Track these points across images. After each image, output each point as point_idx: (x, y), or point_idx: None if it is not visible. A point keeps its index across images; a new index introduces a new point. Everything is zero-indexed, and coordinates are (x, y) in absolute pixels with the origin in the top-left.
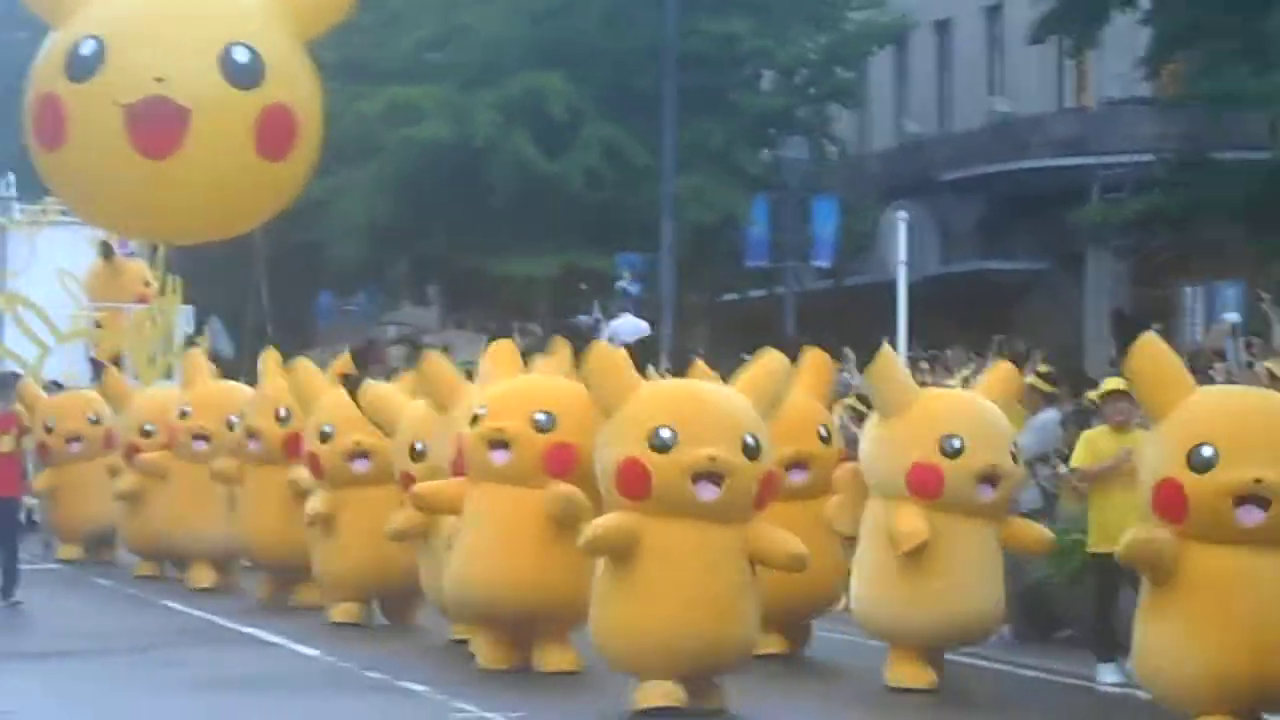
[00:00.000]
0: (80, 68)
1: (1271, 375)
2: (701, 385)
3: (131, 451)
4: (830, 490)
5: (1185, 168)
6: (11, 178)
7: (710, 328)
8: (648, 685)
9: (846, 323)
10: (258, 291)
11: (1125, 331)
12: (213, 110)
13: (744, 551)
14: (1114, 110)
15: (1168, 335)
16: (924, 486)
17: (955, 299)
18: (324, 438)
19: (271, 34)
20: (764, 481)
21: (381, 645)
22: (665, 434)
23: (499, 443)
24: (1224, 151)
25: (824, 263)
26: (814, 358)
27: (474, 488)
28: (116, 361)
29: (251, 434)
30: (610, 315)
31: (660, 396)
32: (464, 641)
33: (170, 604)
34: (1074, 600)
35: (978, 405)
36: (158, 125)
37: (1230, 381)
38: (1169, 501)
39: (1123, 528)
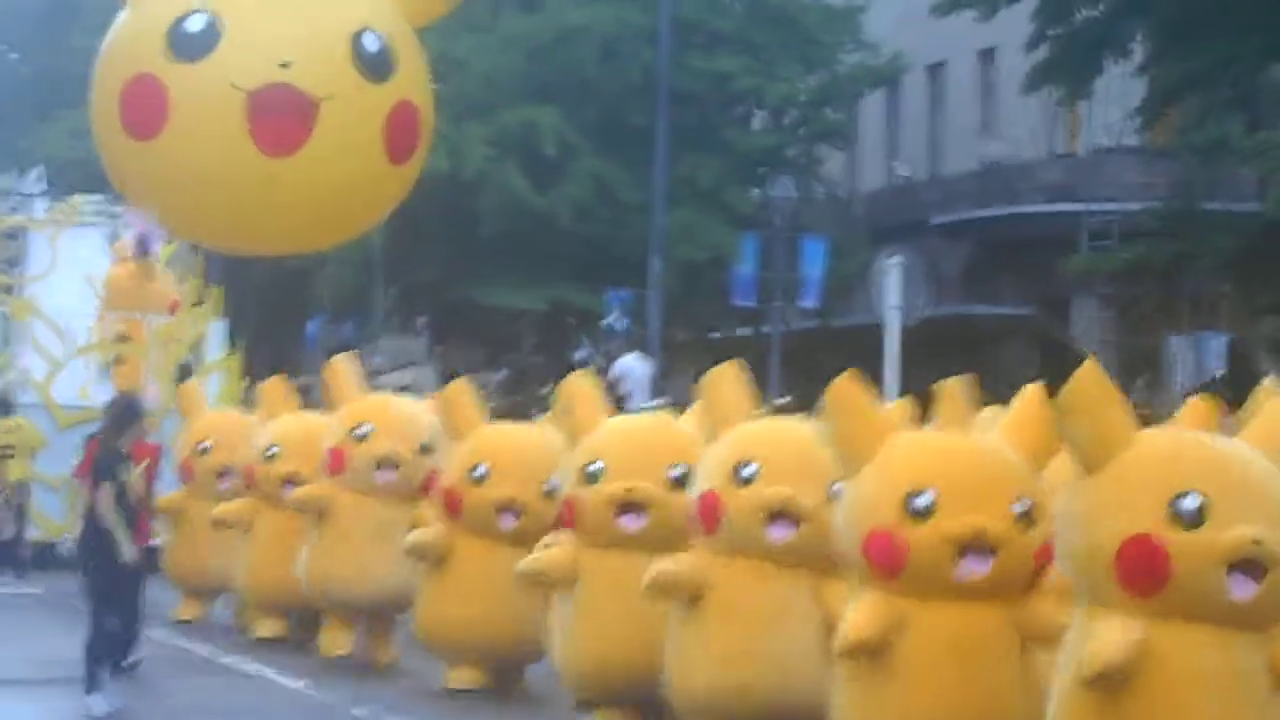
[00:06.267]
0: (189, 46)
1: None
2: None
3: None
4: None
5: (1174, 218)
6: (40, 171)
7: (697, 365)
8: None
9: (831, 363)
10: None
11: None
12: (344, 104)
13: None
14: (1103, 158)
15: (1153, 385)
16: (1141, 577)
17: (938, 343)
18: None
19: (396, 21)
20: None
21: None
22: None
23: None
24: (1213, 203)
25: (811, 303)
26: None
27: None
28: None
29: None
30: (609, 353)
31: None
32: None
33: (150, 634)
34: None
35: (1225, 451)
36: (283, 117)
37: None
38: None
39: None
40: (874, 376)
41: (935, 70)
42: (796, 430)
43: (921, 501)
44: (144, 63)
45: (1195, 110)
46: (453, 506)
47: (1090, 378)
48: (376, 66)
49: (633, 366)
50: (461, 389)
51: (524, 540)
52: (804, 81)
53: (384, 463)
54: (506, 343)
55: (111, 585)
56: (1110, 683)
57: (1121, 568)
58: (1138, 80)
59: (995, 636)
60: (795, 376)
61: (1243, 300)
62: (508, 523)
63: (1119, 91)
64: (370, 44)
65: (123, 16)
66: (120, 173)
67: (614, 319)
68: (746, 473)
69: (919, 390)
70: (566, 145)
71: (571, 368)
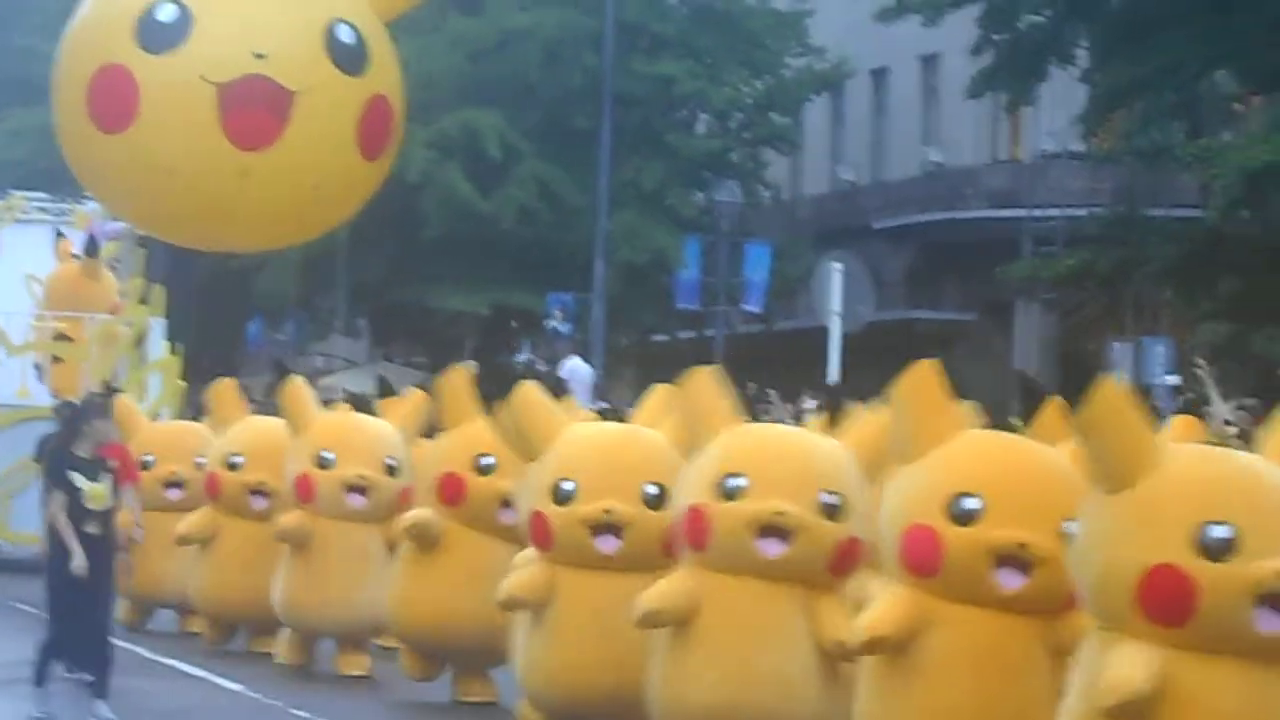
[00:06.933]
0: (159, 37)
1: None
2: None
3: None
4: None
5: (1117, 224)
6: None
7: (638, 369)
8: None
9: (774, 367)
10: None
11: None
12: (319, 96)
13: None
14: (1046, 164)
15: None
16: (1167, 608)
17: (880, 347)
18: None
19: (367, 13)
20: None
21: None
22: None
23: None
24: (1156, 209)
25: (754, 307)
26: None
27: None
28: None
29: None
30: (551, 357)
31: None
32: None
33: None
34: None
35: (1259, 474)
36: (257, 110)
37: None
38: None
39: None
40: (817, 379)
41: (879, 75)
42: (784, 438)
43: (968, 505)
44: (112, 53)
45: (1139, 116)
46: (454, 493)
47: (1112, 394)
48: (351, 59)
49: (577, 367)
50: (460, 378)
51: (518, 537)
52: (749, 86)
53: (353, 487)
54: (448, 345)
55: (71, 594)
56: (1130, 714)
57: (1145, 597)
58: (1081, 86)
59: (1026, 649)
60: (739, 380)
61: (1185, 306)
62: (509, 517)
63: (1063, 97)
64: (344, 36)
65: (88, 3)
66: (85, 165)
67: (556, 322)
68: (733, 485)
69: (862, 394)
70: (509, 148)
71: (513, 372)
